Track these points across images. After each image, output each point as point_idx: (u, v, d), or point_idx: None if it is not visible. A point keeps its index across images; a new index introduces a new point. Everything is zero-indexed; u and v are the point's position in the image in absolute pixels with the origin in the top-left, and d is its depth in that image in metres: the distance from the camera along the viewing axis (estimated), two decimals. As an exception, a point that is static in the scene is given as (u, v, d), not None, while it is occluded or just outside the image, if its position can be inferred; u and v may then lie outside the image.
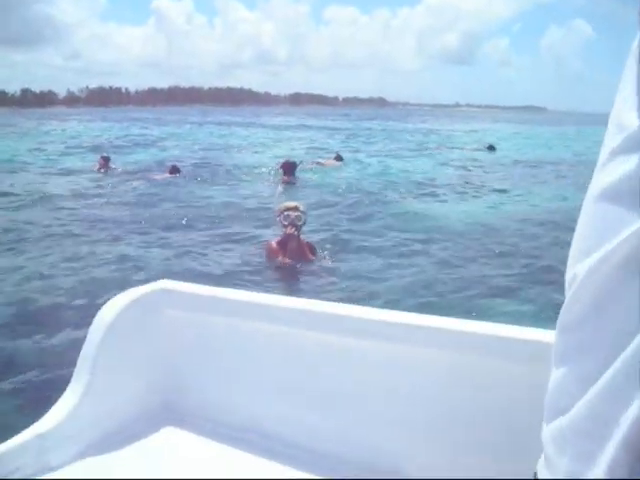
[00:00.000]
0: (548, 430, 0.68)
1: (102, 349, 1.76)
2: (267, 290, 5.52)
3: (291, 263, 6.13)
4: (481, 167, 19.16)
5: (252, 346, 1.91)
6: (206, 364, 2.00)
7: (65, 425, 1.67)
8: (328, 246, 7.37)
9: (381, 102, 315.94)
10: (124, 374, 1.89)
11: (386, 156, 22.99)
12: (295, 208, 6.05)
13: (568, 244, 0.68)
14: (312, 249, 6.48)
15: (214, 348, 1.99)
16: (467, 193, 13.57)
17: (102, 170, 15.81)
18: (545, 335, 1.45)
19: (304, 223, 6.11)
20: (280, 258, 6.14)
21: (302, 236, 6.38)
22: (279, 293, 5.50)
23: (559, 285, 0.72)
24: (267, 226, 8.40)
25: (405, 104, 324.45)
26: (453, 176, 16.58)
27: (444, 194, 13.18)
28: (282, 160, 14.11)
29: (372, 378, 1.70)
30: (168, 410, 1.99)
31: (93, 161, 17.01)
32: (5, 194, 12.00)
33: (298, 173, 14.20)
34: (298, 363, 1.83)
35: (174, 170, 14.85)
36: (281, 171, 13.37)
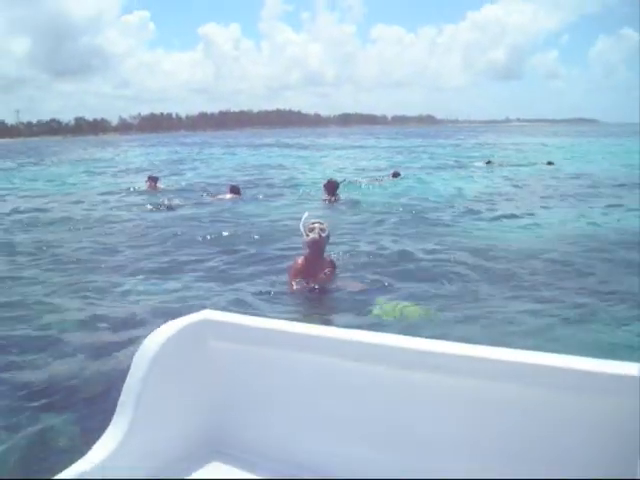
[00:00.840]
0: None
1: (146, 383, 1.69)
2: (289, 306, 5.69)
3: (312, 281, 6.01)
4: (545, 181, 18.27)
5: (298, 378, 1.83)
6: (251, 396, 1.93)
7: (110, 462, 1.59)
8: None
9: (430, 120, 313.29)
10: (168, 408, 1.80)
11: (444, 172, 22.39)
12: (319, 223, 6.12)
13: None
14: (333, 266, 6.39)
15: (259, 380, 1.91)
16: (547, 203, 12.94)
17: (152, 189, 15.82)
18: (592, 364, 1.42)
19: (328, 237, 6.09)
20: (302, 276, 6.06)
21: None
22: (300, 311, 5.64)
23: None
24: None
25: (454, 121, 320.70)
26: (518, 191, 15.82)
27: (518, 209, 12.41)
28: (325, 180, 14.11)
29: (425, 411, 1.62)
30: (214, 445, 1.91)
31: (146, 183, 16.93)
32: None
33: (358, 190, 14.76)
34: (346, 395, 1.75)
35: (234, 190, 14.25)
36: (324, 190, 13.37)
